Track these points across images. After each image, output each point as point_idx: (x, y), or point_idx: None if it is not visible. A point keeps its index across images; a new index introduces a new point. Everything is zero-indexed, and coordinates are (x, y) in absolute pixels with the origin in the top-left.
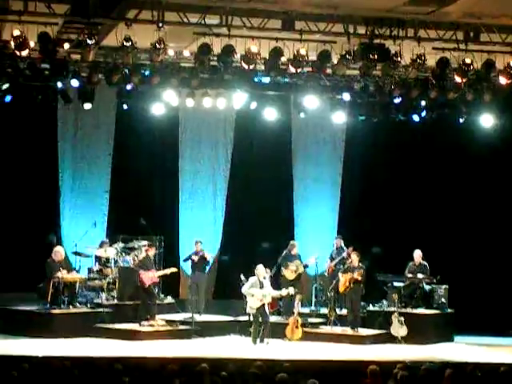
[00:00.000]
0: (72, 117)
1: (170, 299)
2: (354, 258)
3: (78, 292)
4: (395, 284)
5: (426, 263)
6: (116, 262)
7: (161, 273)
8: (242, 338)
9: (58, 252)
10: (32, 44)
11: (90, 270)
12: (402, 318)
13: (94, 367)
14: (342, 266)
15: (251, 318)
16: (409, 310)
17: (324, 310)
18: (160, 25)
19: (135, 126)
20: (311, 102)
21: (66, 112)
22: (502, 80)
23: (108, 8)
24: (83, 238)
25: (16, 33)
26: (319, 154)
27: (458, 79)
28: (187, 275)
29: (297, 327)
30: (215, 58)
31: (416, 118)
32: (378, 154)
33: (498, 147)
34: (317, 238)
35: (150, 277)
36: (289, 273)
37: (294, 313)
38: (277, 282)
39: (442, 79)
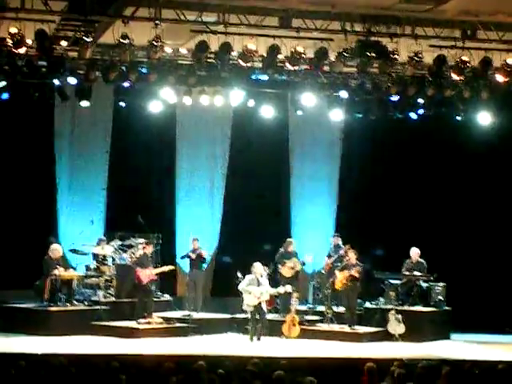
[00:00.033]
0: (69, 114)
1: (167, 297)
2: (352, 256)
3: (75, 289)
4: (392, 282)
5: (423, 261)
6: (113, 259)
7: (158, 270)
8: (239, 336)
9: (56, 249)
10: (29, 41)
11: (87, 268)
12: (400, 316)
13: (91, 365)
14: (339, 264)
15: (248, 316)
16: (406, 307)
17: (321, 308)
18: (157, 22)
19: (132, 123)
20: (308, 99)
21: (63, 109)
22: (499, 77)
23: (105, 5)
24: (80, 236)
25: (13, 30)
26: (316, 151)
27: (455, 77)
28: (184, 273)
29: (294, 325)
30: (212, 56)
31: (413, 115)
32: (376, 151)
33: (495, 145)
34: (314, 235)
35: (147, 274)
36: (286, 270)
37: (291, 310)
38: (274, 279)
39: (439, 77)
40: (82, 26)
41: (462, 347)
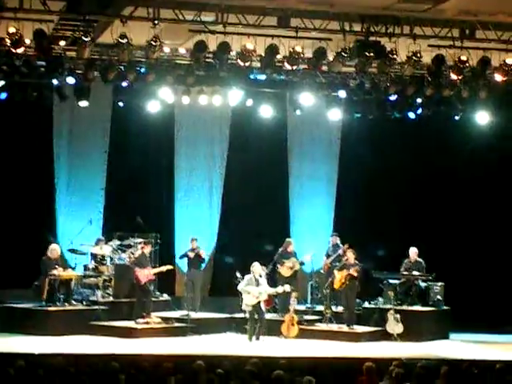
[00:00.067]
0: (67, 114)
1: (165, 297)
2: (350, 256)
3: (73, 289)
4: (391, 281)
5: (421, 260)
6: (112, 259)
7: (156, 270)
8: (238, 336)
9: (54, 249)
10: (27, 41)
11: (85, 268)
12: (398, 316)
13: (89, 365)
14: (337, 264)
15: (247, 316)
16: (404, 307)
17: (320, 308)
18: (155, 22)
19: (131, 123)
20: (307, 99)
21: (62, 109)
22: (498, 77)
23: (103, 5)
24: (79, 236)
25: (11, 30)
26: (315, 151)
27: (453, 76)
28: (183, 273)
29: (293, 324)
30: (211, 55)
31: (412, 115)
32: (374, 151)
33: (493, 144)
34: (313, 235)
35: (145, 274)
36: (285, 270)
37: (289, 310)
38: (273, 279)
39: (437, 76)
40: (81, 25)
41: (461, 347)
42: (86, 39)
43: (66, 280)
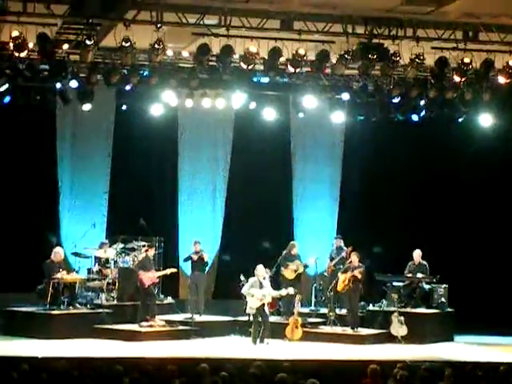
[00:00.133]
0: (71, 117)
1: (169, 300)
2: (354, 259)
3: (77, 293)
4: (395, 284)
5: (425, 263)
6: (116, 262)
7: (160, 273)
8: (242, 339)
9: (58, 253)
10: (31, 45)
11: (89, 271)
12: (402, 318)
13: (93, 368)
14: (341, 266)
15: (251, 319)
16: (408, 309)
17: (324, 310)
18: (159, 25)
19: (134, 126)
20: (310, 101)
21: (65, 113)
22: (501, 79)
23: (107, 9)
24: (82, 239)
25: (15, 34)
26: (318, 153)
27: (456, 78)
28: (187, 276)
29: (297, 327)
30: (214, 59)
31: (415, 117)
32: (377, 153)
33: (496, 146)
34: (316, 237)
35: (149, 277)
36: (288, 273)
37: (293, 313)
38: (276, 282)
39: (440, 79)
40: (84, 29)
41: (465, 349)
42: (89, 43)
43: (70, 283)
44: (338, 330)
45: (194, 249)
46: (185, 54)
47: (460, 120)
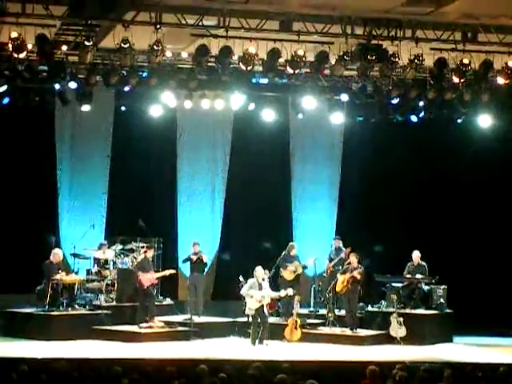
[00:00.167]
0: (70, 119)
1: (168, 301)
2: (353, 260)
3: (76, 294)
4: (394, 285)
5: (424, 264)
6: (114, 263)
7: (159, 274)
8: (241, 340)
9: (57, 254)
10: (30, 46)
11: (88, 272)
12: (401, 319)
13: (92, 369)
14: (340, 267)
15: (250, 320)
16: (408, 310)
17: (323, 311)
18: (158, 26)
19: (133, 127)
20: (309, 102)
21: (64, 114)
22: (500, 80)
23: (106, 10)
24: (81, 240)
25: (14, 35)
26: (317, 154)
27: (455, 79)
28: (186, 277)
29: (296, 328)
30: (213, 60)
31: (414, 118)
32: (376, 154)
33: (495, 147)
34: (315, 238)
35: (148, 278)
36: (287, 274)
37: (292, 314)
38: (275, 283)
39: (439, 79)
40: (83, 30)
41: (464, 350)
42: (88, 44)
43: (69, 284)
44: (337, 330)
45: (193, 250)
46: (184, 55)
47: (459, 121)
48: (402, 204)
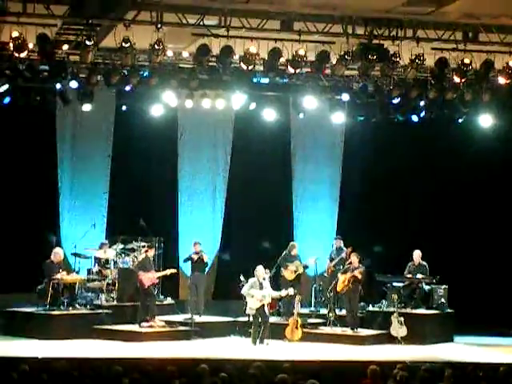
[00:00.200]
0: (71, 118)
1: (169, 300)
2: (354, 260)
3: (77, 293)
4: (395, 284)
5: (425, 263)
6: (115, 263)
7: (160, 274)
8: (242, 339)
9: (57, 253)
10: (31, 45)
11: (89, 272)
12: (402, 319)
13: (93, 369)
14: (341, 267)
15: (251, 319)
16: (408, 310)
17: (324, 311)
18: (159, 26)
19: (134, 127)
20: (310, 102)
21: (65, 113)
22: (501, 80)
23: (107, 9)
24: (82, 240)
25: (15, 34)
26: (318, 154)
27: (456, 79)
28: (186, 276)
29: (296, 328)
30: (214, 59)
31: (415, 118)
32: (377, 154)
33: (496, 147)
34: (316, 238)
35: (149, 278)
36: (288, 273)
37: (293, 313)
38: (276, 282)
39: (440, 79)
40: (84, 29)
41: (465, 349)
42: (89, 43)
43: (70, 284)
44: (338, 330)
45: (194, 249)
46: (185, 54)
47: (460, 120)
48: (402, 204)
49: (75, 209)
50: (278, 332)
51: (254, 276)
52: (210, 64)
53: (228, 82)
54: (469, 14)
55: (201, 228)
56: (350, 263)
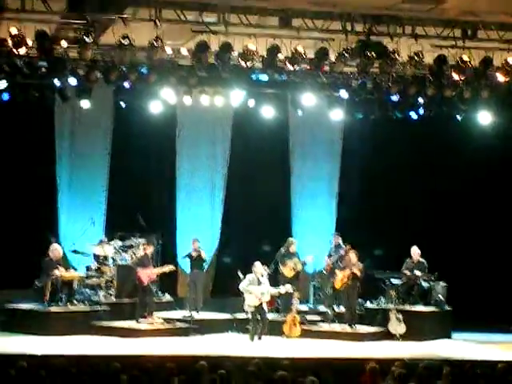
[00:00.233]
0: (69, 115)
1: (167, 297)
2: (353, 257)
3: (75, 290)
4: (393, 281)
5: (423, 260)
6: (114, 259)
7: (159, 270)
8: (240, 336)
9: (56, 250)
10: (29, 42)
11: (87, 268)
12: (400, 315)
13: (91, 365)
14: (340, 264)
15: (249, 316)
16: (407, 307)
17: (322, 308)
18: (157, 22)
19: (133, 124)
20: (309, 99)
21: (64, 110)
22: (500, 77)
23: (105, 6)
24: (81, 236)
25: (13, 31)
26: (317, 151)
27: (455, 76)
28: (185, 273)
29: (295, 325)
30: (213, 56)
31: (413, 115)
32: (376, 151)
33: (495, 144)
34: (314, 235)
35: (147, 274)
36: (287, 270)
37: (292, 310)
38: (275, 279)
39: (439, 76)
40: (83, 26)
41: (463, 347)
42: (87, 40)
43: (69, 280)
44: (337, 327)
45: (192, 246)
46: (183, 51)
47: (459, 118)
48: (401, 200)
49: (74, 206)
50: (276, 329)
51: (252, 273)
52: (209, 61)
53: (227, 79)
54: (467, 11)
55: (199, 225)
56: (349, 260)
